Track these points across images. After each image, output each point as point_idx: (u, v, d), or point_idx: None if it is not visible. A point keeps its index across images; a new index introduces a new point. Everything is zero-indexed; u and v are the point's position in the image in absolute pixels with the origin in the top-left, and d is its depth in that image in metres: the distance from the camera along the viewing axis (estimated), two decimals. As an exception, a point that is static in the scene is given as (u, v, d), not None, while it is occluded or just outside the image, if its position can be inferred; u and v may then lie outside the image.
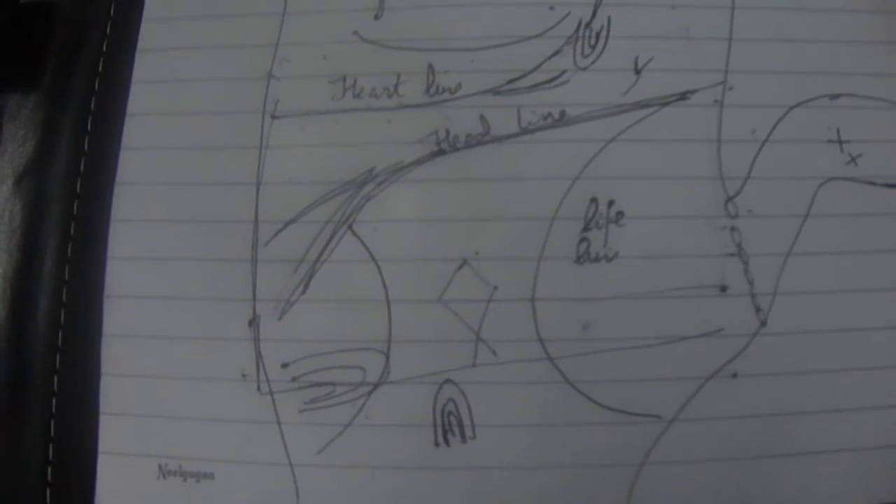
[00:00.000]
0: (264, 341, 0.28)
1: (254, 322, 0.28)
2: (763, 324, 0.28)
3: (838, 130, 0.29)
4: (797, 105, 0.29)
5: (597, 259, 0.28)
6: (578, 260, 0.28)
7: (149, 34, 0.31)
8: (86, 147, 0.31)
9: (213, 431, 0.28)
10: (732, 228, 0.28)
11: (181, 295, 0.29)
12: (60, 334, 0.29)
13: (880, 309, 0.28)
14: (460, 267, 0.28)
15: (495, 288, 0.28)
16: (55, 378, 0.29)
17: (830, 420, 0.27)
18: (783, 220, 0.29)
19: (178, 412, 0.28)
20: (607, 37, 0.30)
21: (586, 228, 0.28)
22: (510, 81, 0.29)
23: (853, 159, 0.29)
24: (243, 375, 0.28)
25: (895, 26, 0.30)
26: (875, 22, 0.30)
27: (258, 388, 0.28)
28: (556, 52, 0.30)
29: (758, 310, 0.28)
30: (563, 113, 0.29)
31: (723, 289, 0.28)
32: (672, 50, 0.30)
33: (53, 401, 0.29)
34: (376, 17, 0.31)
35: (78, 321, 0.29)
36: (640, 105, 0.29)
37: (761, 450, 0.27)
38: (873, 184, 0.29)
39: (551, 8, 0.30)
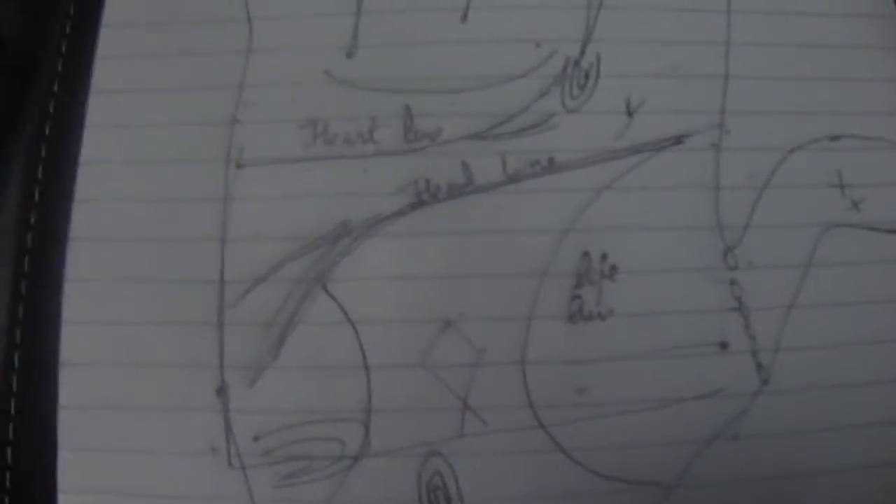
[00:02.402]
0: (234, 411, 0.26)
1: (222, 391, 0.26)
2: (765, 382, 0.26)
3: (840, 174, 0.28)
4: (797, 148, 0.28)
5: (590, 317, 0.26)
6: (571, 319, 0.26)
7: (103, 73, 0.29)
8: (36, 198, 0.28)
9: (180, 510, 0.26)
10: (732, 281, 0.27)
11: (142, 362, 0.27)
12: (13, 405, 0.27)
13: (887, 361, 0.27)
14: (444, 328, 0.26)
15: (482, 351, 0.26)
16: (8, 451, 0.27)
17: (836, 480, 0.26)
18: (785, 271, 0.27)
19: (143, 489, 0.26)
20: (597, 76, 0.28)
21: (579, 285, 0.26)
22: (494, 126, 0.28)
23: (855, 204, 0.28)
24: (213, 449, 0.26)
25: (897, 62, 0.29)
26: (877, 59, 0.29)
27: (229, 463, 0.26)
28: (543, 94, 0.28)
29: (759, 367, 0.27)
30: (551, 160, 0.27)
31: (723, 346, 0.26)
32: (665, 90, 0.28)
33: (7, 475, 0.27)
34: (349, 56, 0.29)
35: (32, 390, 0.27)
36: (633, 150, 0.28)
37: (767, 514, 0.26)
38: (877, 230, 0.28)
39: (537, 45, 0.28)
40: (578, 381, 0.26)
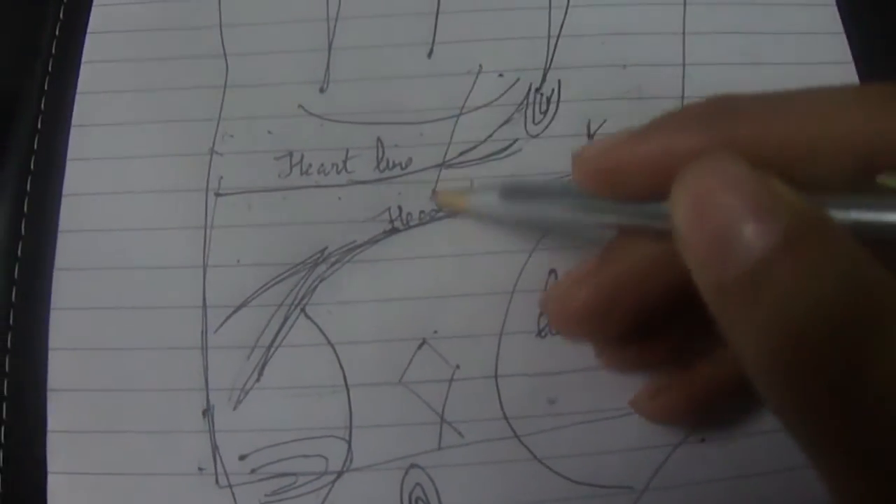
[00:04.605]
0: (220, 432, 0.27)
1: (208, 412, 0.27)
2: (729, 386, 0.27)
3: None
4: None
5: (558, 332, 0.27)
6: (540, 334, 0.28)
7: (84, 109, 0.30)
8: (23, 230, 0.29)
9: (170, 529, 0.27)
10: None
11: (129, 387, 0.27)
12: (3, 430, 0.28)
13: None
14: (420, 347, 0.27)
15: (457, 367, 0.27)
16: (-1, 478, 0.27)
17: (797, 476, 0.27)
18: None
19: (133, 511, 0.27)
20: (558, 101, 0.30)
21: (546, 301, 0.28)
22: (461, 153, 0.29)
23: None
24: (200, 469, 0.27)
25: (846, 77, 0.30)
26: (828, 73, 0.30)
27: (216, 482, 0.27)
28: (507, 121, 0.29)
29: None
30: (517, 183, 0.29)
31: (688, 353, 0.28)
32: (625, 111, 0.29)
33: (-3, 500, 0.27)
34: (321, 90, 0.30)
35: (19, 419, 0.28)
36: (594, 171, 0.29)
37: (731, 513, 0.27)
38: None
39: (500, 75, 0.30)
40: (549, 392, 0.27)
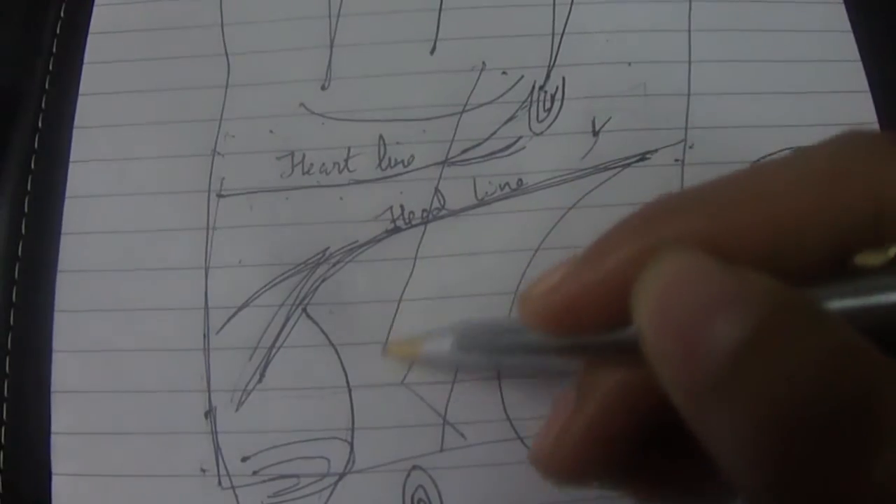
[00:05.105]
0: (222, 433, 0.27)
1: (210, 414, 0.27)
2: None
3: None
4: (759, 160, 0.29)
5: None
6: (544, 334, 0.27)
7: (86, 109, 0.30)
8: (23, 230, 0.29)
9: (173, 531, 0.27)
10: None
11: (131, 388, 0.27)
12: (3, 433, 0.28)
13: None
14: (422, 348, 0.27)
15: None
16: None
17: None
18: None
19: (135, 512, 0.27)
20: (562, 99, 0.29)
21: (550, 301, 0.27)
22: (464, 151, 0.29)
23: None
24: (203, 470, 0.27)
25: (854, 75, 0.30)
26: (835, 71, 0.30)
27: (219, 483, 0.27)
28: (511, 119, 0.29)
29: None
30: (520, 181, 0.28)
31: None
32: (630, 108, 0.29)
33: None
34: (323, 88, 0.30)
35: (22, 419, 0.28)
36: (599, 168, 0.28)
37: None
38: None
39: (504, 73, 0.29)
40: (553, 393, 0.27)
